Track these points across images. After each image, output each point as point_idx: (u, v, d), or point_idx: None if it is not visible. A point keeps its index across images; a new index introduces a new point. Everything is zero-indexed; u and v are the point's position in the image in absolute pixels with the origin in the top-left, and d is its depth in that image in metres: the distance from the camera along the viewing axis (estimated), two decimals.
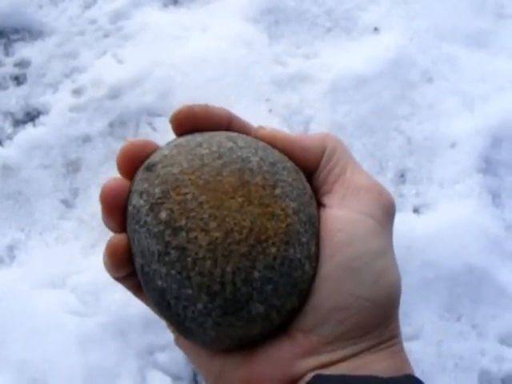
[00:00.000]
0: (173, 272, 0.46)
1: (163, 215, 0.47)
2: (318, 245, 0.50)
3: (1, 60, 1.40)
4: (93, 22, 1.44)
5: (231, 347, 0.50)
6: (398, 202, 1.25)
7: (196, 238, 0.45)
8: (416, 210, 1.24)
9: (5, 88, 1.36)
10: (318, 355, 0.46)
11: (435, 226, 1.21)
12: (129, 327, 1.11)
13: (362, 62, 1.39)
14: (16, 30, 1.43)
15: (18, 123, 1.32)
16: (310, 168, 0.53)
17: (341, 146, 0.53)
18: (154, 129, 1.28)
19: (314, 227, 0.50)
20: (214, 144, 0.51)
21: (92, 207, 1.21)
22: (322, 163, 0.53)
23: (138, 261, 0.50)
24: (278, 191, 0.48)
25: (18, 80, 1.38)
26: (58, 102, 1.33)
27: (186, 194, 0.47)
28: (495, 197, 1.27)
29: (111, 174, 1.23)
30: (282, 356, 0.48)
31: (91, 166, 1.25)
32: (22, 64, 1.40)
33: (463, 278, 1.16)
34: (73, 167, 1.25)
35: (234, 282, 0.45)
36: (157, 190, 0.48)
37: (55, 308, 1.12)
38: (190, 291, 0.46)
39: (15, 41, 1.42)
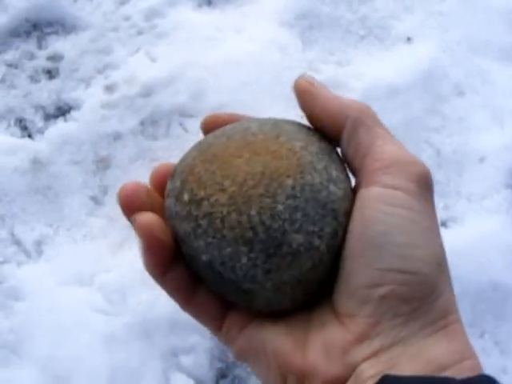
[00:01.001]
0: (209, 240, 0.47)
1: (186, 197, 0.49)
2: (345, 179, 0.51)
3: (34, 53, 1.40)
4: (127, 18, 1.44)
5: (295, 303, 0.50)
6: None
7: (217, 200, 0.47)
8: (443, 224, 1.24)
9: (37, 81, 1.37)
10: (370, 340, 0.45)
11: (462, 241, 1.21)
12: (154, 328, 1.11)
13: (394, 71, 1.39)
14: (49, 23, 1.44)
15: (50, 117, 1.32)
16: (330, 133, 0.52)
17: (367, 116, 0.52)
18: (186, 129, 1.28)
19: (329, 157, 0.51)
20: (218, 131, 0.53)
21: None
22: (346, 133, 0.51)
23: (184, 250, 0.50)
24: (281, 139, 0.50)
25: (51, 74, 1.38)
26: (90, 98, 1.33)
27: (199, 172, 0.49)
28: None
29: (141, 172, 1.24)
30: (335, 344, 0.46)
31: (121, 163, 1.26)
32: (55, 58, 1.40)
33: (488, 293, 1.16)
34: (103, 164, 1.26)
35: (263, 222, 0.46)
36: (177, 183, 0.50)
37: (81, 306, 1.12)
38: (229, 249, 0.47)
39: (48, 34, 1.42)
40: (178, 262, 0.50)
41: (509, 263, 1.19)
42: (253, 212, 0.46)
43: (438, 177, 1.29)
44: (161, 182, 0.53)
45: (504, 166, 1.30)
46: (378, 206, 0.46)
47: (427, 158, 1.30)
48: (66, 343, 1.09)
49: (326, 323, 0.47)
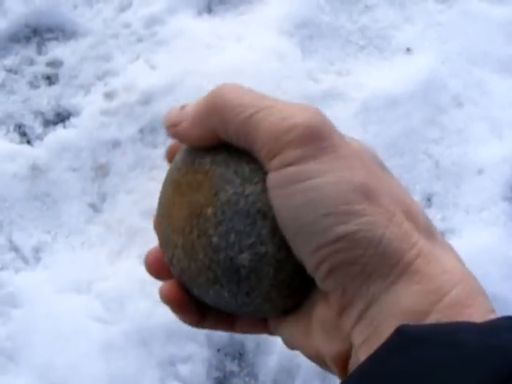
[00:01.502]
0: (195, 291, 0.50)
1: (165, 259, 0.51)
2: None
3: (33, 58, 1.40)
4: (127, 25, 1.44)
5: (294, 299, 0.49)
6: None
7: (178, 256, 0.49)
8: (441, 235, 1.24)
9: (36, 87, 1.37)
10: (348, 309, 0.43)
11: (459, 252, 1.20)
12: (152, 337, 1.11)
13: (393, 82, 1.39)
14: (50, 29, 1.44)
15: (49, 123, 1.32)
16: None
17: (219, 102, 0.47)
18: None
19: (239, 154, 0.48)
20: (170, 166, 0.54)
21: (119, 213, 1.21)
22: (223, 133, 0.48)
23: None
24: (196, 162, 0.49)
25: (50, 80, 1.38)
26: (90, 105, 1.33)
27: (162, 232, 0.51)
28: None
29: (140, 180, 1.24)
30: (328, 323, 0.45)
31: (120, 171, 1.26)
32: (55, 64, 1.40)
33: None
34: (102, 171, 1.26)
35: (212, 259, 0.46)
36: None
37: (79, 313, 1.12)
38: (212, 293, 0.48)
39: (48, 40, 1.42)
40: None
41: (506, 275, 1.20)
42: (200, 255, 0.47)
43: (436, 188, 1.29)
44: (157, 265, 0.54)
45: (502, 179, 1.30)
46: (280, 194, 0.44)
47: (426, 170, 1.30)
48: (64, 351, 1.09)
49: (317, 305, 0.46)
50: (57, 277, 1.15)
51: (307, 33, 1.45)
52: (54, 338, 1.10)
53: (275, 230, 0.46)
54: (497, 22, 1.54)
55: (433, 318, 0.39)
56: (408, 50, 1.47)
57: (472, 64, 1.46)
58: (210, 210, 0.46)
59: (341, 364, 0.44)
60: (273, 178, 0.44)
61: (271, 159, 0.43)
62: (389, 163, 1.24)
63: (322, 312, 0.45)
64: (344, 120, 1.32)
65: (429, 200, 1.28)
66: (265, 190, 0.45)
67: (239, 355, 1.14)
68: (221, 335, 1.12)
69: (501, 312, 1.07)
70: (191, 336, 1.11)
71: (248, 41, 1.42)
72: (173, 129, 0.49)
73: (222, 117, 0.45)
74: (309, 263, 0.43)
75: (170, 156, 0.54)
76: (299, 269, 0.46)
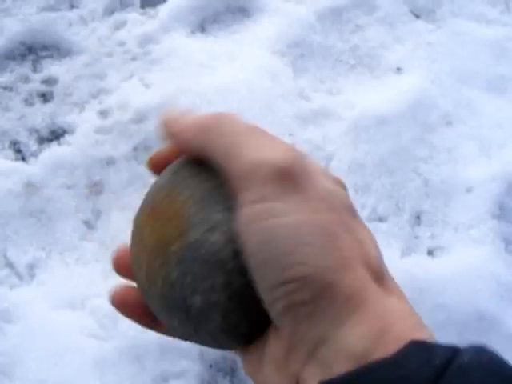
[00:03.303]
0: (153, 308, 0.50)
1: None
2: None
3: (28, 76, 1.42)
4: (121, 44, 1.45)
5: (244, 337, 0.49)
6: (412, 243, 1.26)
7: (141, 277, 0.49)
8: (430, 253, 1.25)
9: (31, 104, 1.38)
10: (297, 346, 0.43)
11: (448, 270, 1.22)
12: (145, 353, 1.12)
13: (383, 101, 1.41)
14: (45, 47, 1.45)
15: (43, 141, 1.33)
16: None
17: (214, 129, 0.48)
18: None
19: (217, 195, 0.48)
20: (152, 184, 0.53)
21: (113, 230, 1.22)
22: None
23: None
24: (175, 192, 0.49)
25: (45, 97, 1.39)
26: (84, 123, 1.34)
27: (132, 250, 0.52)
28: (508, 244, 1.29)
29: (134, 197, 1.25)
30: (278, 358, 0.45)
31: (114, 188, 1.27)
32: (50, 81, 1.41)
33: (473, 323, 1.18)
34: (96, 189, 1.27)
35: (167, 291, 0.47)
36: None
37: (73, 329, 1.13)
38: (163, 315, 0.48)
39: (43, 57, 1.44)
40: None
41: (494, 293, 1.21)
42: (159, 284, 0.47)
43: (425, 206, 1.31)
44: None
45: (491, 197, 1.31)
46: (246, 229, 0.44)
47: (415, 188, 1.32)
48: (58, 366, 1.10)
49: (271, 339, 0.46)
50: (51, 293, 1.16)
51: (299, 52, 1.47)
52: (48, 353, 1.11)
53: (229, 280, 0.46)
54: (486, 42, 1.56)
55: (376, 356, 0.40)
56: (398, 69, 1.49)
57: (461, 83, 1.48)
58: (174, 248, 0.46)
59: None
60: (241, 213, 0.44)
61: (241, 192, 0.44)
62: (378, 181, 1.26)
63: (274, 347, 0.46)
64: (334, 138, 1.34)
65: (418, 218, 1.29)
66: (232, 238, 0.46)
67: (231, 371, 1.15)
68: (213, 351, 1.13)
69: (489, 330, 1.08)
70: (184, 352, 1.12)
71: (240, 60, 1.43)
72: (170, 129, 0.49)
73: (211, 136, 0.46)
74: (265, 298, 0.44)
75: (153, 165, 0.54)
76: (251, 314, 0.47)
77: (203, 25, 1.51)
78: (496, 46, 1.55)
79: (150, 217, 0.49)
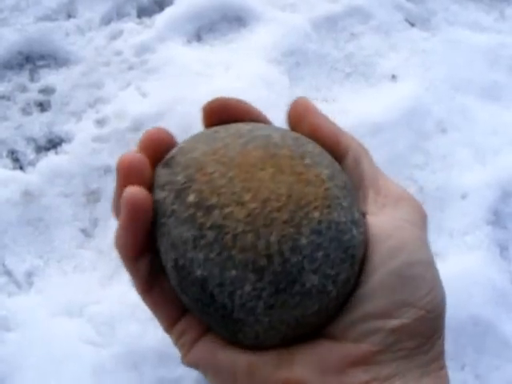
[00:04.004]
0: (212, 255, 0.41)
1: (191, 198, 0.42)
2: (361, 220, 0.46)
3: (26, 85, 1.42)
4: (118, 53, 1.46)
5: (285, 340, 0.44)
6: None
7: (232, 212, 0.41)
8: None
9: (29, 113, 1.39)
10: (368, 366, 0.43)
11: (443, 276, 1.21)
12: (142, 360, 1.12)
13: (378, 109, 1.41)
14: (42, 56, 1.46)
15: (41, 150, 1.34)
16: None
17: (366, 150, 0.51)
18: None
19: (351, 194, 0.46)
20: (231, 128, 0.47)
21: (111, 238, 1.21)
22: (349, 162, 0.49)
23: (171, 257, 0.44)
24: (307, 161, 0.44)
25: (42, 106, 1.40)
26: (81, 132, 1.35)
27: (212, 173, 0.43)
28: (503, 249, 1.29)
29: None
30: (331, 360, 0.43)
31: (111, 197, 1.27)
32: (47, 91, 1.42)
33: (468, 328, 1.18)
34: (93, 197, 1.27)
35: (282, 252, 0.41)
36: (180, 177, 0.44)
37: (71, 337, 1.13)
38: (234, 272, 0.41)
39: (41, 67, 1.45)
40: (151, 249, 0.47)
41: (489, 298, 1.21)
42: (273, 239, 0.41)
43: None
44: (152, 148, 0.48)
45: (485, 203, 1.32)
46: (399, 236, 0.45)
47: None
48: (56, 374, 1.10)
49: (316, 342, 0.45)
50: (49, 301, 1.16)
51: (294, 60, 1.48)
52: (46, 361, 1.11)
53: (348, 281, 0.44)
54: (480, 49, 1.57)
55: None
56: (393, 77, 1.50)
57: (455, 91, 1.49)
58: (316, 214, 0.42)
59: None
60: (393, 225, 0.47)
61: (392, 210, 0.48)
62: None
63: (325, 351, 0.45)
64: None
65: None
66: (363, 243, 0.45)
67: None
68: None
69: (485, 335, 1.08)
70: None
71: (236, 69, 1.44)
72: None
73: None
74: (380, 309, 0.44)
75: (211, 115, 0.51)
76: (322, 325, 0.45)
77: (199, 34, 1.52)
78: (490, 53, 1.55)
79: (267, 163, 0.44)
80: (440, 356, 0.45)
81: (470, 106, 1.47)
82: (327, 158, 0.47)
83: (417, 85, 1.47)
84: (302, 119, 0.51)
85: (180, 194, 0.43)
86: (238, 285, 0.41)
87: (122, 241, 0.45)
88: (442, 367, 0.45)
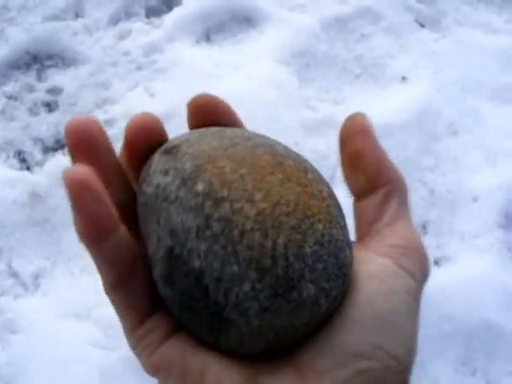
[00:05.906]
0: (215, 247, 0.40)
1: (200, 187, 0.41)
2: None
3: (33, 85, 1.41)
4: (126, 53, 1.45)
5: (265, 350, 0.44)
6: None
7: (242, 208, 0.40)
8: (436, 262, 1.25)
9: (36, 114, 1.38)
10: None
11: (455, 279, 1.22)
12: None
13: (389, 111, 1.40)
14: (49, 56, 1.45)
15: (48, 150, 1.33)
16: (357, 181, 0.49)
17: (404, 190, 0.48)
18: None
19: (344, 218, 0.45)
20: (236, 130, 0.46)
21: None
22: (380, 193, 0.47)
23: (164, 244, 0.42)
24: (310, 176, 0.44)
25: (50, 107, 1.39)
26: None
27: (223, 167, 0.42)
28: None
29: None
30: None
31: None
32: (55, 91, 1.41)
33: (480, 332, 1.17)
34: None
35: (287, 257, 0.40)
36: (187, 165, 0.42)
37: (79, 339, 1.12)
38: (235, 268, 0.40)
39: (48, 67, 1.44)
40: (120, 234, 0.41)
41: (501, 302, 1.20)
42: (280, 241, 0.40)
43: (431, 216, 1.30)
44: (137, 135, 0.44)
45: (497, 206, 1.31)
46: (391, 281, 0.44)
47: (421, 197, 1.32)
48: (63, 376, 1.09)
49: (281, 368, 0.43)
50: (56, 303, 1.16)
51: (304, 61, 1.47)
52: (53, 363, 1.10)
53: (337, 299, 0.43)
54: (491, 51, 1.56)
55: None
56: (403, 78, 1.49)
57: (466, 93, 1.48)
58: (320, 226, 0.42)
59: None
60: (393, 269, 0.45)
61: (399, 254, 0.46)
62: None
63: (287, 380, 0.44)
64: None
65: (424, 227, 1.29)
66: (351, 264, 0.45)
67: None
68: None
69: (496, 339, 1.07)
70: None
71: (246, 69, 1.43)
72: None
73: None
74: (355, 347, 0.43)
75: (196, 112, 0.49)
76: (304, 338, 0.45)
77: (208, 34, 1.51)
78: (502, 55, 1.54)
79: (276, 168, 0.43)
80: None
81: (481, 108, 1.46)
82: (323, 178, 0.46)
83: (427, 87, 1.47)
84: (352, 136, 0.49)
85: (187, 181, 0.42)
86: (236, 282, 0.40)
87: (78, 224, 0.41)
88: None
